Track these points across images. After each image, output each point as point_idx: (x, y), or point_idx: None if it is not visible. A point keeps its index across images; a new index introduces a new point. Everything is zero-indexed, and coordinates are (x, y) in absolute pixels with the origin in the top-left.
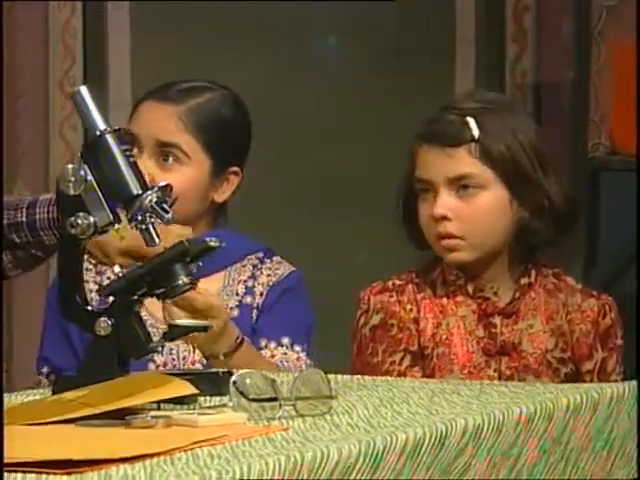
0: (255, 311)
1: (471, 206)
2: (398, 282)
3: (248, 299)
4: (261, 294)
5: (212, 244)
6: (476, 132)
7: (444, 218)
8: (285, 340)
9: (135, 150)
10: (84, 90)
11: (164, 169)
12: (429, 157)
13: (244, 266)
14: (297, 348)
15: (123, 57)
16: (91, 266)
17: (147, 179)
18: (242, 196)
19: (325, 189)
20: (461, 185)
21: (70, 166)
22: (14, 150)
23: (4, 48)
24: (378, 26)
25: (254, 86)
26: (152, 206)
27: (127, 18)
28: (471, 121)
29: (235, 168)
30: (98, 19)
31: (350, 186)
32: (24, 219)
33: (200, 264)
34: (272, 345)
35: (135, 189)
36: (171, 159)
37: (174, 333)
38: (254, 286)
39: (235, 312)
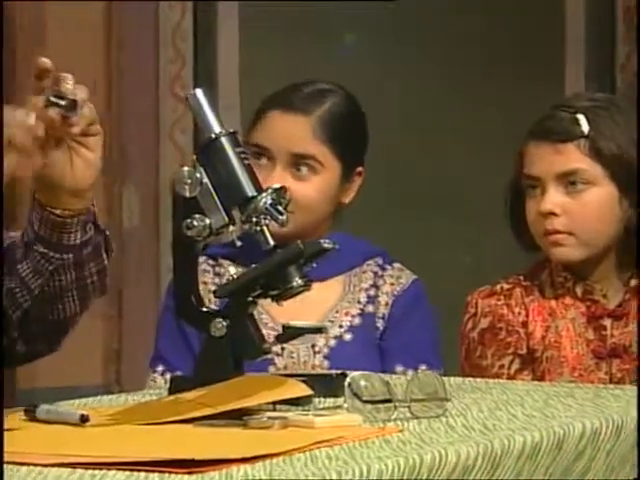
0: (381, 321)
1: (579, 202)
2: (506, 286)
3: (370, 308)
4: (386, 304)
5: (326, 246)
6: (586, 128)
7: (552, 214)
8: (423, 367)
9: (264, 160)
10: (199, 93)
11: (298, 179)
12: (538, 153)
13: (364, 272)
14: None
15: (232, 60)
16: (209, 267)
17: (285, 192)
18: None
19: (433, 190)
20: (569, 181)
21: (186, 168)
22: (123, 153)
23: (113, 50)
24: (488, 28)
25: (363, 85)
26: (267, 208)
27: (236, 20)
28: (581, 117)
29: (360, 168)
30: (208, 21)
31: (459, 187)
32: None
33: (314, 265)
34: (410, 373)
35: (250, 191)
36: (305, 169)
37: (288, 335)
38: (377, 295)
39: (357, 320)
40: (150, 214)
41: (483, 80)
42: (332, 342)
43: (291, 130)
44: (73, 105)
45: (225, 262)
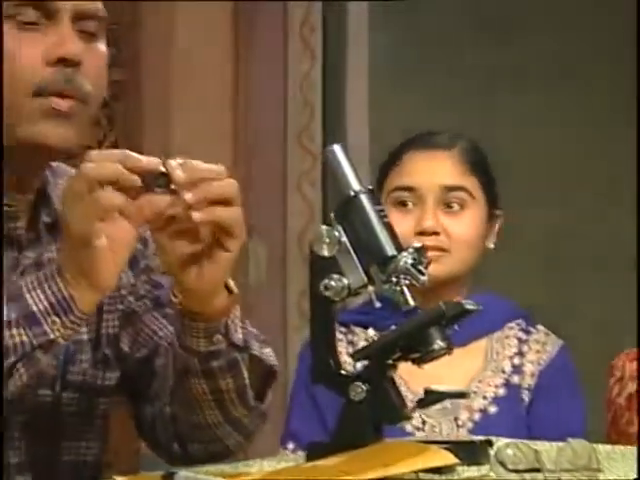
0: (527, 392)
1: None
2: None
3: (516, 378)
4: (532, 374)
5: (469, 307)
6: None
7: None
8: None
9: (410, 204)
10: (337, 149)
11: (451, 215)
12: None
13: (507, 337)
14: None
15: (361, 112)
16: (341, 336)
17: (439, 228)
18: None
19: (573, 247)
20: None
21: (324, 227)
22: (250, 205)
23: (241, 104)
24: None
25: (493, 135)
26: (407, 268)
27: (366, 72)
28: None
29: (498, 211)
30: (337, 71)
31: (602, 245)
32: None
33: (456, 328)
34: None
35: (390, 250)
36: (456, 204)
37: (429, 399)
38: (522, 364)
39: (501, 391)
40: (277, 268)
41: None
42: (476, 415)
43: (437, 164)
44: (164, 180)
45: (357, 329)
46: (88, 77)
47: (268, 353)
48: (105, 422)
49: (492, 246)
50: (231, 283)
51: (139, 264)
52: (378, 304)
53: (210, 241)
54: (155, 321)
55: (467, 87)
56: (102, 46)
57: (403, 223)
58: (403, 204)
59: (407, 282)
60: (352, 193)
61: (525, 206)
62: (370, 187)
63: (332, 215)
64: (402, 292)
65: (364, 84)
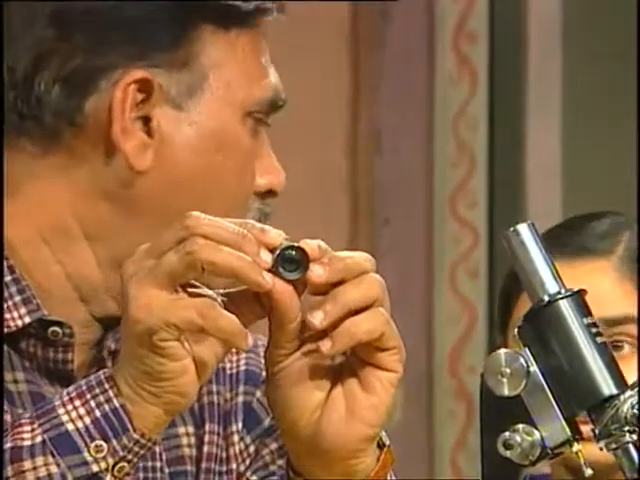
0: None
1: None
2: None
3: None
4: None
5: None
6: None
7: None
8: None
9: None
10: (525, 230)
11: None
12: None
13: None
14: None
15: (549, 167)
16: None
17: None
18: None
19: None
20: None
21: (503, 352)
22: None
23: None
24: None
25: None
26: (636, 414)
27: (558, 102)
28: None
29: None
30: (512, 103)
31: None
32: None
33: None
34: None
35: (606, 387)
36: (625, 345)
37: None
38: None
39: None
40: (420, 404)
41: None
42: None
43: (586, 283)
44: (302, 257)
45: None
46: None
47: None
48: None
49: None
50: (383, 433)
51: (262, 422)
52: (589, 471)
53: (357, 363)
54: None
55: None
56: None
57: None
58: None
59: (634, 437)
60: (546, 298)
61: None
62: (576, 288)
63: (515, 332)
64: (626, 452)
65: (555, 121)
